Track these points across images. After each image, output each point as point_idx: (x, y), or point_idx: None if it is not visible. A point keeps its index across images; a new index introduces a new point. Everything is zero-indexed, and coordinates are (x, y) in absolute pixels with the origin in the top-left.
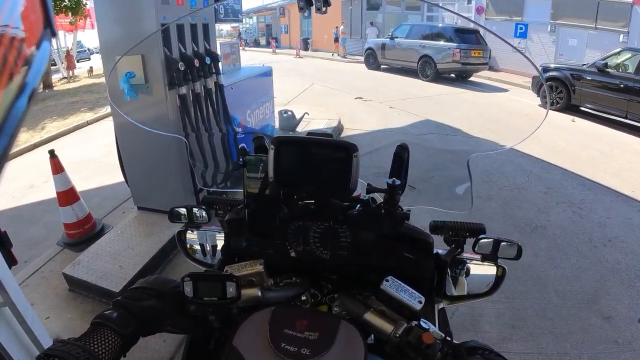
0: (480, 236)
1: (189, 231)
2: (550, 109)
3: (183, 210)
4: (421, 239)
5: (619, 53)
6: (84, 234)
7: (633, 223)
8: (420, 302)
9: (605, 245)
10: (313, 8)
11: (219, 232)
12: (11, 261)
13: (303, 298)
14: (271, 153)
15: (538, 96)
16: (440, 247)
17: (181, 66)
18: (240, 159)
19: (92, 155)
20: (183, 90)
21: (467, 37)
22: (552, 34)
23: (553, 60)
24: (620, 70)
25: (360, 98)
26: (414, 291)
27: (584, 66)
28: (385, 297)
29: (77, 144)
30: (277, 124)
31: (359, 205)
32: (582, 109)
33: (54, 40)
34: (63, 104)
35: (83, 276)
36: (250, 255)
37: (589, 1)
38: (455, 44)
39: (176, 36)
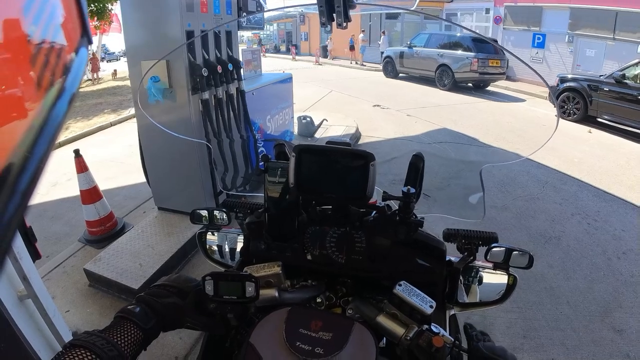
0: (493, 245)
1: (209, 232)
2: (567, 120)
3: (204, 212)
4: (434, 246)
5: (636, 64)
6: (105, 232)
7: None
8: (431, 306)
9: (619, 258)
10: (334, 23)
11: (239, 235)
12: (35, 255)
13: (318, 300)
14: (292, 160)
15: (555, 106)
16: (453, 255)
17: (204, 72)
18: (262, 164)
19: (114, 155)
20: (206, 95)
21: (485, 46)
22: (570, 44)
23: (570, 71)
24: (637, 82)
25: (378, 106)
26: (425, 296)
27: (601, 77)
28: (397, 301)
29: (101, 144)
30: (295, 130)
31: (374, 212)
32: (599, 120)
33: None
34: (87, 105)
35: (103, 272)
36: (268, 257)
37: (607, 12)
38: (473, 54)
39: (200, 43)
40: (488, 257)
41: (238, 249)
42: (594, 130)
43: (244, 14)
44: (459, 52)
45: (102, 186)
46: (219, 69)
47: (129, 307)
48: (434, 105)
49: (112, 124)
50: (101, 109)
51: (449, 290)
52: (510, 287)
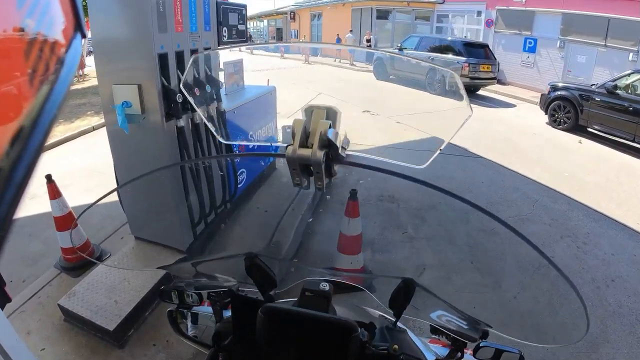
0: (482, 343)
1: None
2: (557, 128)
3: (174, 292)
4: None
5: (629, 75)
6: (81, 259)
7: (638, 260)
8: None
9: (608, 286)
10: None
11: (211, 316)
12: (4, 299)
13: None
14: (259, 320)
15: (546, 114)
16: (438, 342)
17: (179, 98)
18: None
19: (95, 164)
20: (181, 122)
21: (476, 51)
22: (561, 49)
23: (561, 77)
24: (629, 92)
25: (367, 111)
26: None
27: (593, 86)
28: None
29: (82, 151)
30: (280, 138)
31: None
32: (590, 130)
33: None
34: (70, 106)
35: (78, 310)
36: None
37: (599, 18)
38: (464, 58)
39: (175, 64)
40: (476, 355)
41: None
42: (584, 140)
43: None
44: (450, 56)
45: (81, 201)
46: (197, 91)
47: None
48: (424, 112)
49: (94, 128)
50: (84, 111)
51: None
52: None
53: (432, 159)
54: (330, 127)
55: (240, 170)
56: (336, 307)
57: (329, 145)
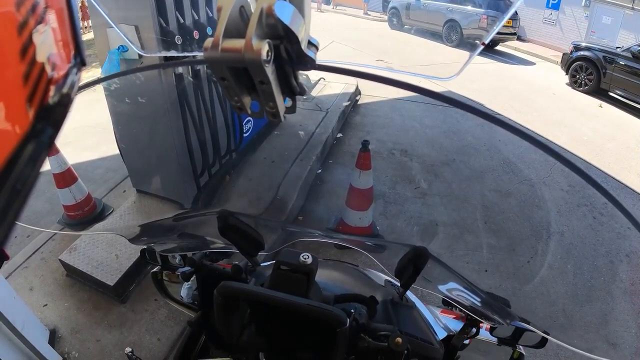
0: (502, 321)
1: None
2: (578, 90)
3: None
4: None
5: None
6: (84, 215)
7: None
8: None
9: (622, 261)
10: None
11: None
12: (2, 257)
13: None
14: (215, 301)
15: (566, 74)
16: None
17: (178, 40)
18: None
19: (99, 119)
20: (180, 69)
21: (497, 3)
22: (586, 8)
23: (584, 37)
24: None
25: (381, 60)
26: None
27: (618, 49)
28: None
29: (85, 106)
30: None
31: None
32: (611, 94)
33: None
34: None
35: (79, 265)
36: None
37: None
38: (484, 10)
39: (173, 4)
40: (494, 333)
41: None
42: (604, 104)
43: None
44: (469, 7)
45: (84, 157)
46: (196, 34)
47: None
48: (439, 63)
49: (100, 80)
50: (89, 62)
51: None
52: None
53: (463, 68)
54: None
55: (247, 119)
56: (333, 271)
57: (283, 36)
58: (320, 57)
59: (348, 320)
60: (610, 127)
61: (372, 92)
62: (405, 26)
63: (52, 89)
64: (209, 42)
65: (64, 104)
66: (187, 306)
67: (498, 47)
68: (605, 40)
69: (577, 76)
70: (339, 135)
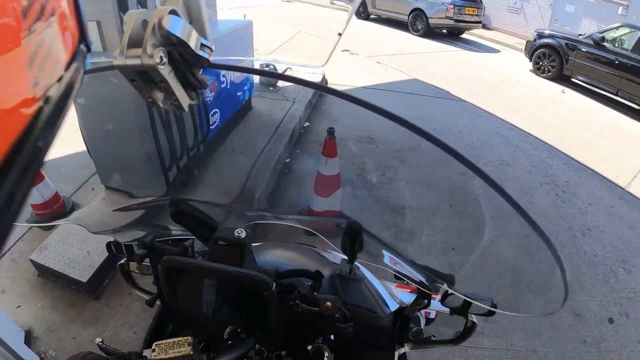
0: (451, 290)
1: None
2: (541, 76)
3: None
4: (374, 325)
5: (617, 28)
6: (52, 214)
7: (614, 212)
8: None
9: (584, 235)
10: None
11: None
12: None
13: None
14: (160, 275)
15: (530, 61)
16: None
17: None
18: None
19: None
20: None
21: None
22: None
23: (548, 26)
24: (616, 46)
25: (347, 51)
26: None
27: (580, 37)
28: None
29: None
30: (257, 78)
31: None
32: (573, 80)
33: None
34: None
35: (50, 263)
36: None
37: None
38: (450, 0)
39: None
40: (445, 303)
41: None
42: (567, 90)
43: None
44: None
45: (50, 154)
46: None
47: None
48: (405, 52)
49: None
50: None
51: (399, 331)
52: (468, 330)
53: (329, 58)
54: (174, 15)
55: (213, 111)
56: (289, 252)
57: (176, 42)
58: (288, 46)
59: (274, 284)
60: (572, 111)
61: (339, 82)
62: (372, 16)
63: (58, 73)
64: (116, 51)
65: (70, 88)
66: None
67: (463, 36)
68: (568, 28)
69: (541, 63)
70: (307, 124)
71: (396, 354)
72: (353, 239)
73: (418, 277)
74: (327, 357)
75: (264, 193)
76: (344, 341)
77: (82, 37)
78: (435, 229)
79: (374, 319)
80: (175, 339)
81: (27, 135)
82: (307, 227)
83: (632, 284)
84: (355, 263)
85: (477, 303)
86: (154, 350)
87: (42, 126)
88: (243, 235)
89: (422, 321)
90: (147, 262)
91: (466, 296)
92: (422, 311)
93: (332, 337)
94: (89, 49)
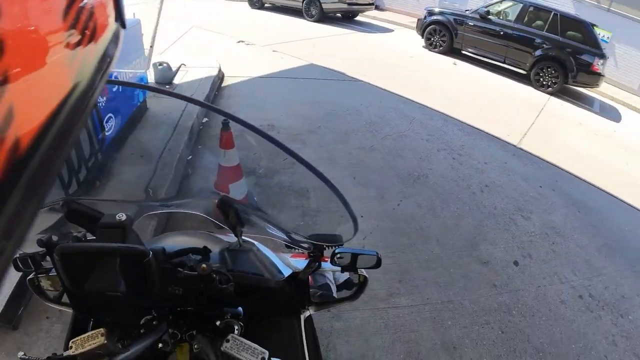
0: (338, 250)
1: (43, 275)
2: (433, 52)
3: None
4: (260, 287)
5: (500, 1)
6: None
7: (508, 167)
8: (263, 358)
9: (482, 191)
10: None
11: None
12: None
13: (163, 339)
14: (57, 264)
15: (422, 38)
16: (300, 256)
17: None
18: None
19: None
20: None
21: None
22: None
23: (437, 4)
24: (501, 18)
25: (242, 42)
26: (256, 347)
27: (467, 12)
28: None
29: None
30: (152, 78)
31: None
32: (464, 52)
33: None
34: None
35: None
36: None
37: None
38: None
39: None
40: (334, 261)
41: None
42: (458, 62)
43: None
44: None
45: None
46: None
47: None
48: (301, 38)
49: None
50: None
51: (300, 297)
52: (362, 285)
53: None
54: None
55: (108, 116)
56: (186, 238)
57: None
58: (181, 43)
59: (150, 252)
60: (464, 81)
61: (235, 73)
62: (266, 4)
63: (94, 48)
64: None
65: (107, 62)
66: (65, 304)
67: (358, 18)
68: (457, 4)
69: (432, 39)
70: (205, 120)
71: (302, 317)
72: (227, 212)
73: (301, 241)
74: (237, 329)
75: (169, 192)
76: (252, 313)
77: (118, 13)
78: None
79: (261, 281)
80: (90, 333)
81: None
82: (190, 209)
83: (531, 228)
84: (250, 240)
85: (363, 254)
86: (71, 347)
87: (79, 96)
88: (124, 218)
89: (333, 288)
90: (53, 272)
91: (352, 252)
92: (332, 279)
93: (240, 309)
94: (124, 26)
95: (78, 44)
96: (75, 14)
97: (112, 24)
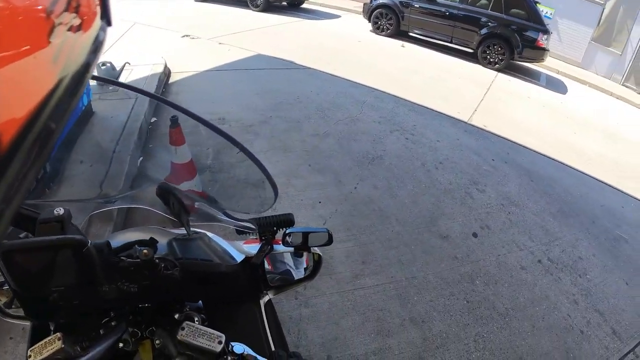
0: (288, 230)
1: None
2: (381, 35)
3: None
4: (209, 272)
5: None
6: None
7: (461, 143)
8: (220, 342)
9: (437, 168)
10: None
11: None
12: None
13: (124, 339)
14: (3, 266)
15: (369, 22)
16: (254, 241)
17: None
18: None
19: None
20: None
21: None
22: None
23: None
24: None
25: (187, 36)
26: (212, 332)
27: None
28: (185, 346)
29: None
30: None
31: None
32: (411, 34)
33: None
34: None
35: None
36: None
37: None
38: None
39: None
40: (286, 242)
41: None
42: (406, 44)
43: None
44: None
45: None
46: None
47: None
48: (248, 29)
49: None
50: None
51: (256, 281)
52: (317, 263)
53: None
54: None
55: None
56: (140, 234)
57: None
58: (124, 41)
59: (89, 242)
60: (413, 62)
61: (182, 68)
62: None
63: (79, 45)
64: None
65: (90, 61)
66: (23, 318)
67: (304, 5)
68: None
69: (379, 23)
70: (154, 119)
71: (262, 302)
72: (167, 199)
73: (251, 226)
74: (197, 320)
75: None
76: (211, 303)
77: (104, 11)
78: (297, 189)
79: (211, 267)
80: (47, 339)
81: (49, 100)
82: (134, 203)
83: (487, 200)
84: (201, 230)
85: (313, 232)
86: (29, 357)
87: (63, 93)
88: (62, 212)
89: (295, 274)
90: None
91: (303, 231)
92: (293, 265)
93: (200, 303)
94: (109, 23)
95: (65, 35)
96: (64, 5)
97: (97, 21)
